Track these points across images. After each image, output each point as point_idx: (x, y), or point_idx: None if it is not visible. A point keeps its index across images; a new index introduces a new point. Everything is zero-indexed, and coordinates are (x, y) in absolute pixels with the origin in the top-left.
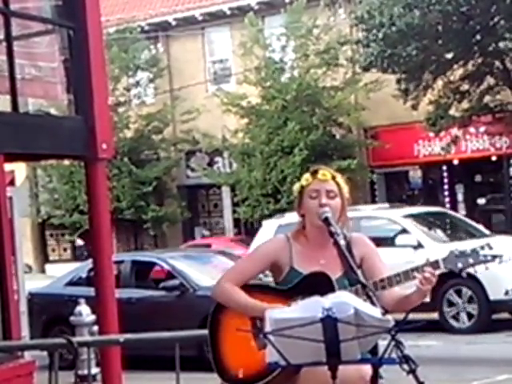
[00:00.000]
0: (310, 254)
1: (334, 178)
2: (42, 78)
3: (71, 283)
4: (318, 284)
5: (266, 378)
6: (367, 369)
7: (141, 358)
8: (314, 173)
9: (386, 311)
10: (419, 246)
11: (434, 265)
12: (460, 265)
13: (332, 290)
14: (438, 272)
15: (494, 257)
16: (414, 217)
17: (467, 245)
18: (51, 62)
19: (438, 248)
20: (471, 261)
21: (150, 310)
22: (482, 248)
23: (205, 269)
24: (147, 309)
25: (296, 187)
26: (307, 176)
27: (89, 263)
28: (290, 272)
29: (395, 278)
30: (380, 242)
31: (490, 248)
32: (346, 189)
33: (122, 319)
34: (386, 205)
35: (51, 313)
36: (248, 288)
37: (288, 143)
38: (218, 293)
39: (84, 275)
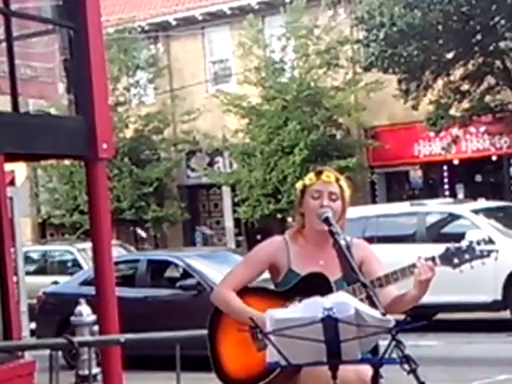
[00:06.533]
0: (309, 255)
1: (337, 180)
2: (42, 78)
3: (86, 283)
4: (317, 285)
5: (267, 378)
6: (366, 370)
7: (141, 358)
8: (319, 173)
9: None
10: (490, 241)
11: (431, 261)
12: (456, 261)
13: (330, 291)
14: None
15: (490, 252)
16: (483, 211)
17: None
18: (51, 62)
19: (509, 243)
20: (467, 256)
21: (166, 309)
22: (478, 243)
23: (221, 267)
24: (164, 308)
25: (299, 185)
26: (311, 176)
27: None
28: (288, 273)
29: (392, 275)
30: (447, 237)
31: (486, 243)
32: (348, 192)
33: (138, 318)
34: (450, 199)
35: (65, 312)
36: (246, 291)
37: (288, 143)
38: (215, 299)
39: None
